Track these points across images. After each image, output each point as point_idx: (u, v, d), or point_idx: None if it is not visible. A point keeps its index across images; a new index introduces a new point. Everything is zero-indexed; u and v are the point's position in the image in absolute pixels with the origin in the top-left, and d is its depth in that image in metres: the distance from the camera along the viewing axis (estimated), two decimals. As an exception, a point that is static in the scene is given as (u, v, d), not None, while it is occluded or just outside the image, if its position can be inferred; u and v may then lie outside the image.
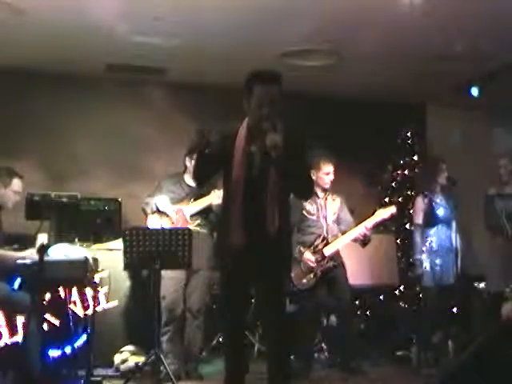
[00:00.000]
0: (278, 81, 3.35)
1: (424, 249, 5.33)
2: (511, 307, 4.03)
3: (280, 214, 3.31)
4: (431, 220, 5.34)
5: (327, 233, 5.14)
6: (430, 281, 5.28)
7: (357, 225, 5.16)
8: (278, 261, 3.37)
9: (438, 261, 5.28)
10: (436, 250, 5.31)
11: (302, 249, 5.05)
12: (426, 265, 5.29)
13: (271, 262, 3.32)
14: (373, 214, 5.17)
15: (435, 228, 5.33)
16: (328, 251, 5.07)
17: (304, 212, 5.15)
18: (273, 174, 3.28)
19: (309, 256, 5.04)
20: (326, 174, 5.13)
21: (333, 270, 5.10)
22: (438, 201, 5.38)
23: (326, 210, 5.20)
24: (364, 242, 5.16)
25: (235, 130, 3.41)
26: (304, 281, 5.03)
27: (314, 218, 5.17)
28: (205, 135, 3.62)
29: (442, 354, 5.23)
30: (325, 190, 5.22)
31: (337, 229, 5.22)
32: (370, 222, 5.10)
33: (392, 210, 5.20)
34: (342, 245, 5.14)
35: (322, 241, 5.10)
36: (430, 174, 5.56)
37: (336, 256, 5.13)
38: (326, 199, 5.22)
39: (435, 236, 5.33)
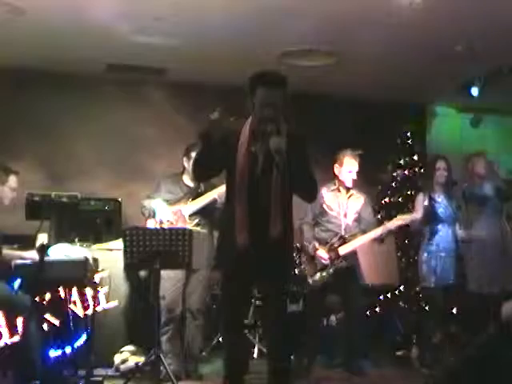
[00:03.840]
0: (283, 83, 3.31)
1: (425, 248, 5.33)
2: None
3: (283, 215, 3.30)
4: (430, 218, 5.33)
5: (345, 231, 5.04)
6: (431, 281, 5.27)
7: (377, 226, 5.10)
8: (280, 262, 3.36)
9: (439, 260, 5.27)
10: (438, 249, 5.30)
11: (316, 245, 4.98)
12: (427, 265, 5.29)
13: (273, 263, 3.31)
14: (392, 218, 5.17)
15: (437, 227, 5.32)
16: (343, 250, 4.96)
17: (324, 206, 5.07)
18: (276, 176, 3.26)
19: (322, 253, 4.96)
20: (348, 170, 5.03)
21: (346, 270, 4.99)
22: (438, 200, 5.36)
23: (348, 207, 5.10)
24: (381, 238, 5.11)
25: (239, 128, 3.38)
26: (316, 277, 4.99)
27: (335, 213, 5.07)
28: (224, 116, 3.39)
29: (441, 353, 5.22)
30: (348, 188, 5.10)
31: (356, 228, 5.10)
32: (392, 225, 5.02)
33: (414, 216, 5.17)
34: (358, 245, 5.02)
35: (339, 239, 4.99)
36: (428, 172, 5.58)
37: (351, 256, 5.02)
38: (350, 197, 5.12)
39: (437, 235, 5.32)
